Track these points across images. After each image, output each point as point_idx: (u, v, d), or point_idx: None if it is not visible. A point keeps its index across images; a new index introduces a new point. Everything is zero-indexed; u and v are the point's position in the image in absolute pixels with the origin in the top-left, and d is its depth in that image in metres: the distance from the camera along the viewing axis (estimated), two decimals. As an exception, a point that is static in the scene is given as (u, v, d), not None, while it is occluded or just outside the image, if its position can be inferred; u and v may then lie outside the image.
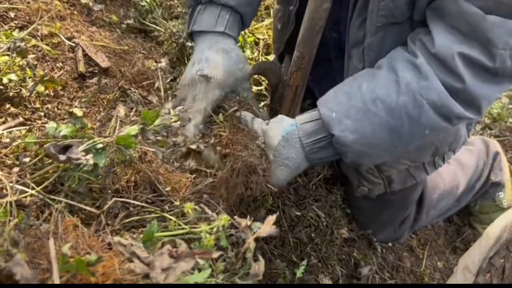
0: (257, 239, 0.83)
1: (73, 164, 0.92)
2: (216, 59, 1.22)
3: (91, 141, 0.95)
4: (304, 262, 1.39)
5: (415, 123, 1.06)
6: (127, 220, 0.96)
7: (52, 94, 1.34)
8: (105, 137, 0.97)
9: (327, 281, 1.45)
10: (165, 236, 0.86)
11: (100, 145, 0.94)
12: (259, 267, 0.80)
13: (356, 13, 1.19)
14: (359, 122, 1.07)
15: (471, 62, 1.00)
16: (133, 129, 0.97)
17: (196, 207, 0.93)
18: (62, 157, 0.89)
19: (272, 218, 0.80)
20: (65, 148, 0.92)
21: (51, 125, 1.01)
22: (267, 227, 0.80)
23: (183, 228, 0.90)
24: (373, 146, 1.09)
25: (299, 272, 1.35)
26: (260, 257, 0.81)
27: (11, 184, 0.89)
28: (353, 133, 1.06)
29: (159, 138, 1.04)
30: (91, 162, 0.91)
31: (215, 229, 0.86)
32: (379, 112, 1.06)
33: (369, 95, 1.07)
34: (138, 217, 0.97)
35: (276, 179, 1.15)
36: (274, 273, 1.35)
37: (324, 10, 1.22)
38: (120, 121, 1.08)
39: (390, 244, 1.77)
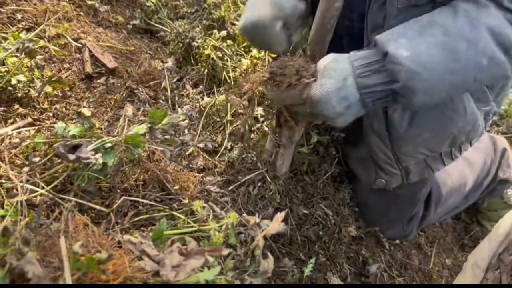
0: (265, 238, 0.83)
1: (82, 164, 0.93)
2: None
3: (99, 140, 0.96)
4: (312, 260, 1.39)
5: (473, 47, 1.00)
6: (136, 219, 0.97)
7: (60, 94, 1.35)
8: (113, 136, 0.97)
9: (335, 279, 1.45)
10: (175, 234, 0.87)
11: (109, 144, 0.95)
12: (268, 264, 0.80)
13: None
14: (415, 41, 1.01)
15: None
16: (142, 128, 0.97)
17: (205, 205, 0.93)
18: (72, 157, 0.90)
19: (280, 216, 0.80)
20: (74, 148, 0.93)
21: (60, 125, 1.02)
22: (275, 224, 0.80)
23: (192, 226, 0.90)
24: (428, 66, 1.00)
25: (307, 270, 1.35)
26: (269, 254, 0.81)
27: (21, 184, 0.90)
28: (407, 50, 1.00)
29: (167, 137, 1.04)
30: (100, 161, 0.92)
31: (224, 227, 0.86)
32: (436, 32, 1.01)
33: (426, 19, 1.05)
34: (147, 216, 0.98)
35: (319, 89, 1.05)
36: (283, 271, 1.35)
37: (336, 9, 1.21)
38: (128, 120, 1.09)
39: (398, 241, 1.76)
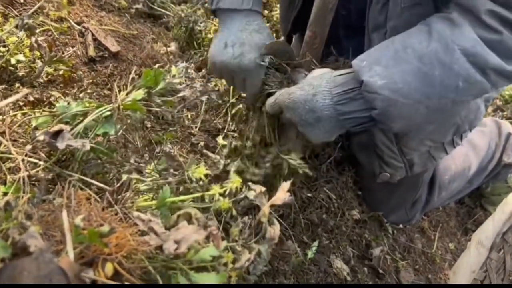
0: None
1: (73, 150, 0.91)
2: (250, 41, 1.21)
3: (97, 110, 0.93)
4: (316, 243, 1.39)
5: (447, 70, 1.01)
6: (140, 189, 0.96)
7: (61, 73, 1.35)
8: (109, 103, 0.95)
9: (338, 261, 1.44)
10: (179, 200, 0.85)
11: (107, 113, 0.93)
12: (274, 231, 0.79)
13: None
14: (389, 68, 1.03)
15: (506, 21, 0.98)
16: (139, 94, 0.95)
17: (208, 172, 0.92)
18: (61, 146, 0.87)
19: (286, 185, 0.79)
20: (57, 133, 0.90)
21: (61, 103, 1.01)
22: (282, 194, 0.79)
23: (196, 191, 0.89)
24: (403, 94, 1.03)
25: (310, 253, 1.35)
26: (275, 221, 0.80)
27: (23, 160, 0.89)
28: (382, 78, 1.02)
29: (165, 99, 1.02)
30: (88, 147, 0.89)
31: (228, 191, 0.85)
32: (410, 59, 1.03)
33: (401, 44, 1.05)
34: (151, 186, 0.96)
35: (287, 97, 1.12)
36: (286, 253, 1.35)
37: (336, -12, 1.20)
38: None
39: (401, 225, 1.76)
